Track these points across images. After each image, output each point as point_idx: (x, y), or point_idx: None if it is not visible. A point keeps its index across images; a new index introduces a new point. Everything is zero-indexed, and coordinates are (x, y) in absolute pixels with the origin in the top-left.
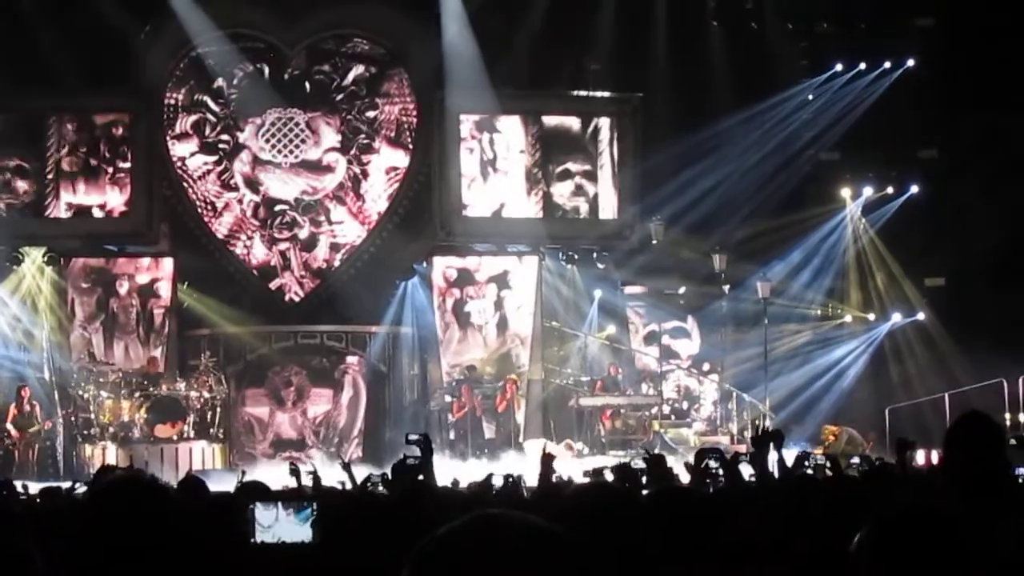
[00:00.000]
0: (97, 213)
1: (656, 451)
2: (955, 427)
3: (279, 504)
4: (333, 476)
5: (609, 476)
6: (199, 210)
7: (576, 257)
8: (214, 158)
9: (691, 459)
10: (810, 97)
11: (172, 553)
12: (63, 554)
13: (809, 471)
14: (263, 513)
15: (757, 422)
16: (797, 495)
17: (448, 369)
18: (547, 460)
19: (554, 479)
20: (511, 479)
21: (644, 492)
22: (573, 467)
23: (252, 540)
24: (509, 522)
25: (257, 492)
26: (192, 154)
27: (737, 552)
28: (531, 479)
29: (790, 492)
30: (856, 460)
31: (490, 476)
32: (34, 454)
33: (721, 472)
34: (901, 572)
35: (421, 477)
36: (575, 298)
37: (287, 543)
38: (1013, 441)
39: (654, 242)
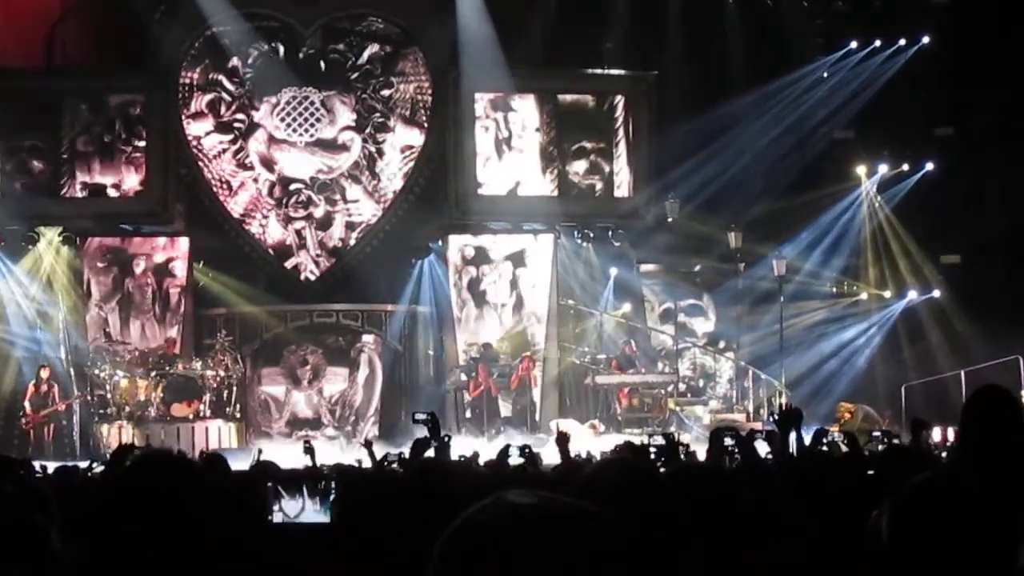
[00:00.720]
0: (112, 193)
1: (672, 429)
2: (972, 401)
3: (304, 491)
4: (350, 457)
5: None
6: (214, 189)
7: (592, 235)
8: (229, 137)
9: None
10: (825, 75)
11: (199, 529)
12: (87, 529)
13: (825, 448)
14: (289, 504)
15: (774, 399)
16: (815, 472)
17: (464, 348)
18: (563, 440)
19: (573, 456)
20: (527, 450)
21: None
22: (596, 446)
23: (270, 519)
24: (537, 506)
25: (273, 472)
26: (207, 133)
27: (756, 529)
28: (549, 458)
29: (808, 469)
30: (877, 434)
31: (507, 447)
32: (50, 434)
33: (737, 449)
34: (920, 547)
35: (432, 454)
36: (591, 276)
37: (305, 522)
38: None
39: (669, 220)
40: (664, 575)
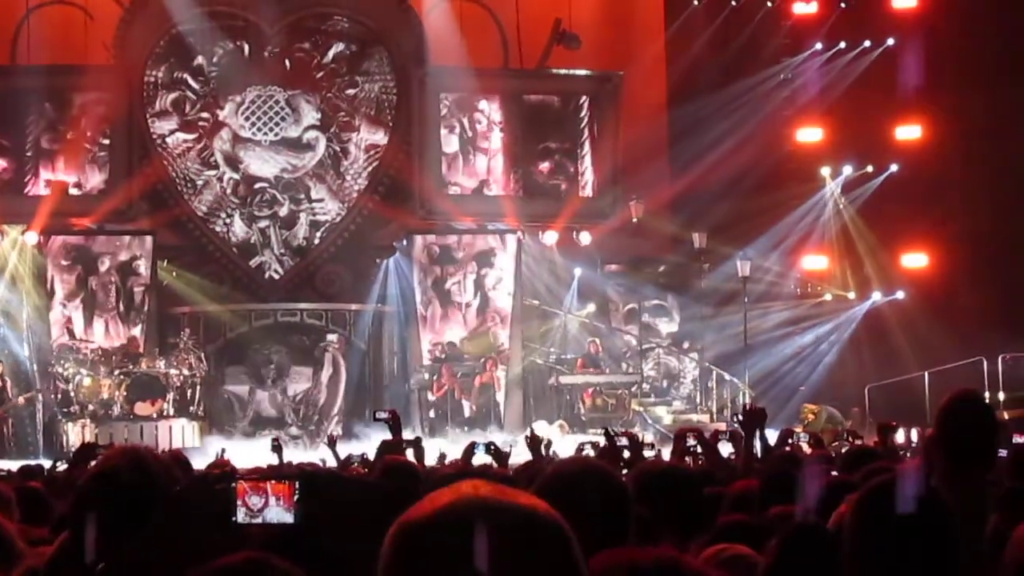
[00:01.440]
0: (77, 191)
1: (635, 429)
2: (948, 406)
3: (268, 489)
4: (314, 456)
5: (590, 452)
6: (179, 188)
7: (556, 235)
8: (194, 136)
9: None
10: (790, 75)
11: (169, 527)
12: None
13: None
14: (253, 499)
15: (738, 400)
16: (781, 472)
17: (429, 347)
18: (535, 443)
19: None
20: (493, 447)
21: (624, 470)
22: (564, 446)
23: (233, 519)
24: (485, 500)
25: (237, 473)
26: (172, 132)
27: (722, 529)
28: (515, 457)
29: (774, 469)
30: (845, 449)
31: (473, 445)
32: (8, 431)
33: (700, 450)
34: (882, 546)
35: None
36: (555, 276)
37: (269, 523)
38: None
39: (634, 220)
40: None
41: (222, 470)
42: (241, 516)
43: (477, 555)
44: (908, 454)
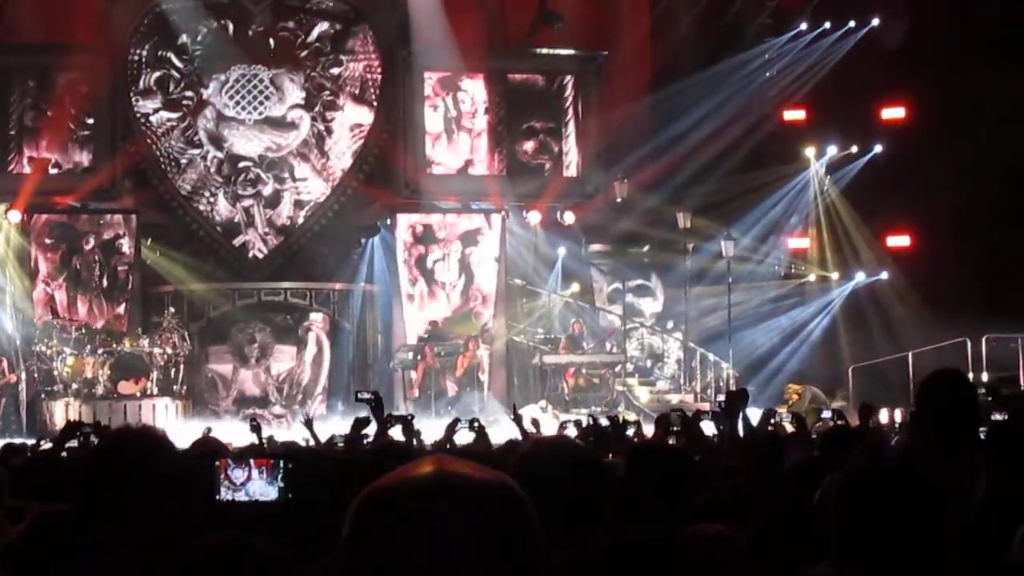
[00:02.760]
0: (60, 169)
1: (620, 409)
2: (926, 384)
3: (251, 463)
4: (298, 435)
5: (572, 431)
6: (163, 167)
7: (540, 215)
8: (178, 115)
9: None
10: (774, 56)
11: (151, 505)
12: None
13: (772, 428)
14: (236, 472)
15: (721, 380)
16: (765, 452)
17: (415, 327)
18: (518, 421)
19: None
20: (476, 423)
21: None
22: (550, 427)
23: (217, 497)
24: (445, 474)
25: (220, 449)
26: (156, 110)
27: (708, 506)
28: (497, 437)
29: (758, 449)
30: (827, 414)
31: (456, 421)
32: None
33: (680, 430)
34: (867, 525)
35: (374, 433)
36: (539, 256)
37: (252, 501)
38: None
39: (618, 200)
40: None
41: (207, 448)
42: (224, 492)
43: (438, 527)
44: (894, 434)
